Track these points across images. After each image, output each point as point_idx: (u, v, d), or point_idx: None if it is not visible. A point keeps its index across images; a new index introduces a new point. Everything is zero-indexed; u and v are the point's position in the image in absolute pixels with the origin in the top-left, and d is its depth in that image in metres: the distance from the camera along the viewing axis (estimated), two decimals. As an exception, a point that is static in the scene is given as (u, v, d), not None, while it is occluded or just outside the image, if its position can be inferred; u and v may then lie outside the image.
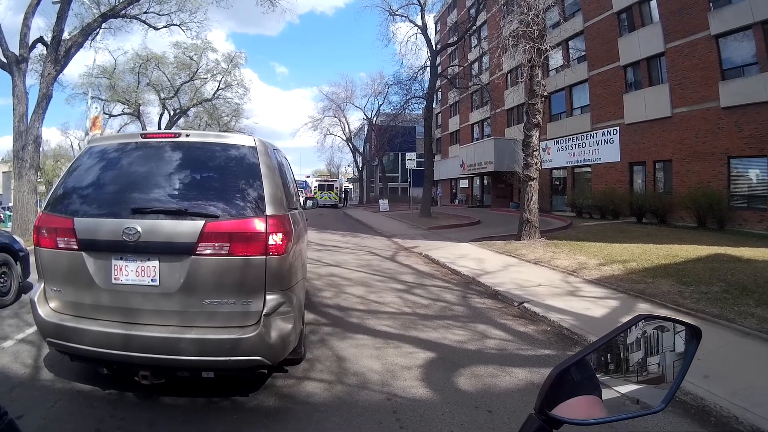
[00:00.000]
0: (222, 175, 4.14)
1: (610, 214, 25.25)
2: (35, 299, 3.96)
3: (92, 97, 33.33)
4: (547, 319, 7.01)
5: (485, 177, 43.48)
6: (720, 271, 9.47)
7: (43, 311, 3.91)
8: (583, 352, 1.14)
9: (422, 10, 30.67)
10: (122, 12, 20.79)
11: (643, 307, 7.59)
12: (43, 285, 4.02)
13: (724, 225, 19.40)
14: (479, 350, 5.83)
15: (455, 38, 36.08)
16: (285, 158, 5.94)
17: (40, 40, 17.42)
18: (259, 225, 3.83)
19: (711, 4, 21.00)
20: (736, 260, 11.01)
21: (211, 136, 4.40)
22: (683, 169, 22.57)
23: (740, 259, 11.19)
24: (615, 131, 27.05)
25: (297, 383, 4.59)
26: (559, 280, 9.76)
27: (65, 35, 17.76)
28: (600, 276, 9.81)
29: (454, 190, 54.24)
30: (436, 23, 54.55)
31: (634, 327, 1.20)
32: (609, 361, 1.20)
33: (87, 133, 28.86)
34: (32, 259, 4.15)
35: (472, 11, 32.75)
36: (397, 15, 31.52)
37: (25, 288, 7.58)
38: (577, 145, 30.30)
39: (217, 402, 4.14)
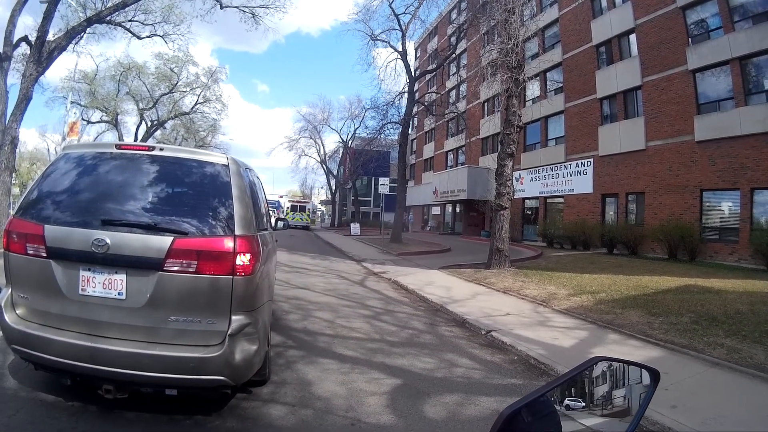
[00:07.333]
0: (193, 192, 4.11)
1: (581, 245, 25.55)
2: (2, 304, 3.87)
3: (72, 102, 33.04)
4: (515, 349, 6.98)
5: (457, 205, 43.82)
6: (690, 303, 9.56)
7: (9, 317, 3.82)
8: (535, 394, 1.11)
9: (403, 36, 30.95)
10: (107, 18, 20.86)
11: (612, 338, 7.62)
12: (10, 290, 3.93)
13: (695, 257, 19.73)
14: (446, 378, 5.78)
15: (434, 65, 36.41)
16: (257, 178, 5.88)
17: (25, 39, 17.32)
18: (228, 244, 3.79)
19: (690, 39, 21.60)
20: (706, 291, 11.13)
21: (185, 152, 4.34)
22: (655, 202, 22.96)
23: (710, 290, 11.32)
24: (589, 163, 27.45)
25: (261, 405, 4.50)
26: (529, 310, 9.77)
27: (50, 36, 17.68)
28: (569, 306, 9.85)
29: (425, 217, 54.45)
30: (416, 49, 55.23)
31: (589, 369, 1.18)
32: (573, 395, 1.18)
33: (64, 138, 28.63)
34: (1, 262, 4.03)
35: (453, 39, 33.18)
36: (378, 40, 31.69)
37: None
38: (550, 176, 30.67)
39: (180, 420, 4.04)
